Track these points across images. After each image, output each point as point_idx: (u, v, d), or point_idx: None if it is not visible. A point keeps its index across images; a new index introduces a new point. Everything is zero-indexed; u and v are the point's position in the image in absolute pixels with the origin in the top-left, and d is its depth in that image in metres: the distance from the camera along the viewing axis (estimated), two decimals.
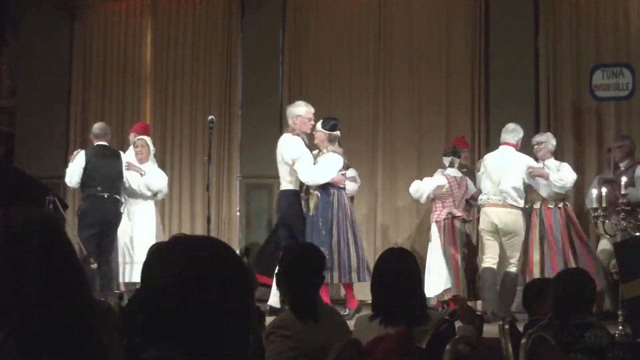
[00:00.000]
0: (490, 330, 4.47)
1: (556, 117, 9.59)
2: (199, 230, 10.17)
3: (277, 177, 10.33)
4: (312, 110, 8.11)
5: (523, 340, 3.27)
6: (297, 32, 10.69)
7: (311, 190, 7.98)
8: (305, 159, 7.85)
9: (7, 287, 2.06)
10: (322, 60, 10.56)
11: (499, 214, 8.10)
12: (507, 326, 3.53)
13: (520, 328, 4.13)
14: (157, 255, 1.65)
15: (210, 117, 8.27)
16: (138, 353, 1.57)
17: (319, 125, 8.12)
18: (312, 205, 7.95)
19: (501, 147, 8.30)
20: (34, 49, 11.42)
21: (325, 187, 7.97)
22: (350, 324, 4.02)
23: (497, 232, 8.10)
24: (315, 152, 8.14)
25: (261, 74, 10.68)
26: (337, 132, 8.15)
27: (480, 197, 8.33)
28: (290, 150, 7.90)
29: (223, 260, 1.61)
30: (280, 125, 10.49)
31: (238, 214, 10.63)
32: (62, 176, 11.13)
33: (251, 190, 10.64)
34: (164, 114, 11.06)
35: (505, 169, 8.13)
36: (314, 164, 7.97)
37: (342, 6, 10.58)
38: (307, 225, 7.90)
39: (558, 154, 9.42)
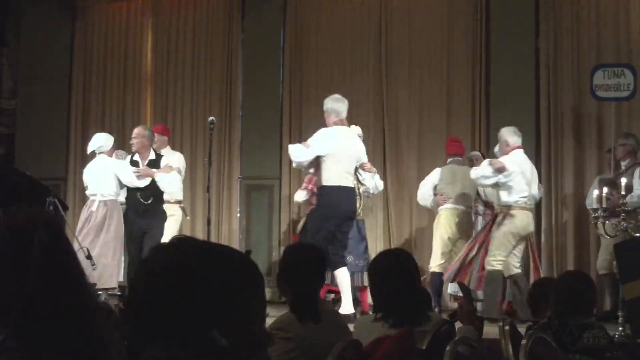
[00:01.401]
0: (491, 331, 4.47)
1: (556, 118, 9.58)
2: (199, 232, 10.18)
3: (277, 178, 10.36)
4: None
5: (523, 342, 3.27)
6: (298, 33, 10.70)
7: None
8: None
9: (7, 286, 2.06)
10: (323, 60, 10.57)
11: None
12: (507, 327, 3.53)
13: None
14: (158, 254, 1.64)
15: (211, 118, 8.27)
16: (139, 353, 1.56)
17: None
18: None
19: (518, 151, 8.06)
20: (34, 50, 11.43)
21: None
22: (351, 325, 4.02)
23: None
24: None
25: (262, 75, 10.69)
26: None
27: (514, 198, 7.95)
28: None
29: (225, 260, 1.60)
30: (280, 126, 10.51)
31: (238, 215, 10.63)
32: (63, 177, 11.21)
33: (252, 192, 10.64)
34: (164, 115, 11.06)
35: (533, 173, 8.15)
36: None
37: (342, 7, 10.58)
38: None
39: (558, 156, 9.44)
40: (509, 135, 8.04)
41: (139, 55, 11.30)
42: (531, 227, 8.06)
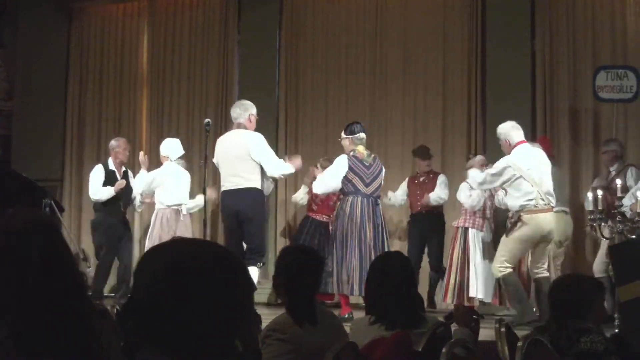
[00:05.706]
0: (487, 333, 4.47)
1: (552, 119, 9.58)
2: (196, 234, 10.15)
3: (273, 179, 10.34)
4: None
5: (519, 344, 3.27)
6: (294, 34, 10.71)
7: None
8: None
9: (6, 287, 2.06)
10: (319, 61, 10.57)
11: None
12: (503, 329, 3.53)
13: None
14: (149, 256, 1.63)
15: (207, 120, 8.26)
16: (134, 355, 1.56)
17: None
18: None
19: (523, 146, 7.60)
20: (31, 51, 11.42)
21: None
22: (347, 327, 4.02)
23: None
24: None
25: (258, 76, 10.69)
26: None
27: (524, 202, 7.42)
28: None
29: (216, 263, 1.58)
30: (276, 127, 10.50)
31: None
32: (59, 179, 11.18)
33: None
34: (160, 117, 11.06)
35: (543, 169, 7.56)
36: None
37: (338, 8, 10.59)
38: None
39: (554, 156, 9.43)
40: (510, 131, 7.59)
41: (135, 56, 11.30)
42: (548, 228, 7.39)
